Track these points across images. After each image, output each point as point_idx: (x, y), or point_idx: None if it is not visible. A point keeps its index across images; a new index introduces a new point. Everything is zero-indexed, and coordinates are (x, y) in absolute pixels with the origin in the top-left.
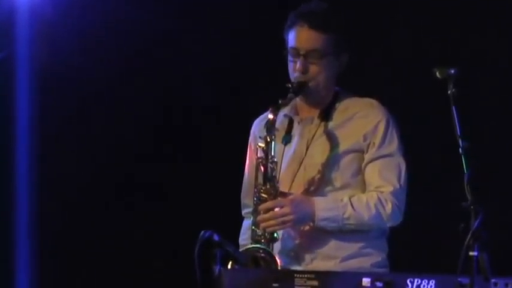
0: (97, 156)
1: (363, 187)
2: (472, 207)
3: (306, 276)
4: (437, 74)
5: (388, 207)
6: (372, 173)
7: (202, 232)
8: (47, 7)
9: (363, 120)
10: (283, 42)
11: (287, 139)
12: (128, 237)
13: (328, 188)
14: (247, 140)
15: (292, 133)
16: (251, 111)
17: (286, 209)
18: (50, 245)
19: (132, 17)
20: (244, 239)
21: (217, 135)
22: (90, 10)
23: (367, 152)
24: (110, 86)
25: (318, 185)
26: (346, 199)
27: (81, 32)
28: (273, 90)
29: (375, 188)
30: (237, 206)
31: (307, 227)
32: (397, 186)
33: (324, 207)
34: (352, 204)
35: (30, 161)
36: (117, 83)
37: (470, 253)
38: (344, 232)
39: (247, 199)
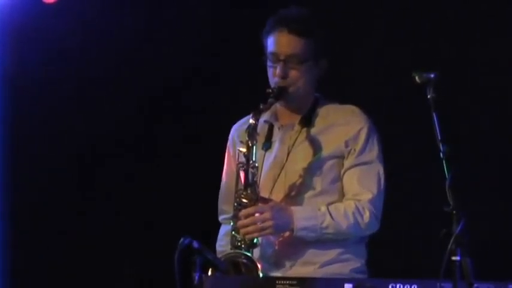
0: (71, 158)
1: (342, 194)
2: (454, 211)
3: (287, 282)
4: (417, 78)
5: (366, 215)
6: (350, 179)
7: (182, 239)
8: (16, 11)
9: (344, 126)
10: (261, 47)
11: (267, 145)
12: (103, 242)
13: (309, 194)
14: (225, 145)
15: (273, 139)
16: (228, 116)
17: (266, 215)
18: (20, 251)
19: (106, 18)
20: (222, 245)
21: (192, 139)
22: (59, 14)
23: (347, 158)
24: (82, 87)
25: (299, 190)
26: (324, 208)
27: (49, 35)
28: (250, 95)
29: (353, 196)
30: (214, 211)
31: (286, 233)
32: (375, 194)
33: (302, 216)
34: (330, 214)
35: (2, 163)
36: (91, 85)
37: (453, 258)
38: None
39: (224, 205)
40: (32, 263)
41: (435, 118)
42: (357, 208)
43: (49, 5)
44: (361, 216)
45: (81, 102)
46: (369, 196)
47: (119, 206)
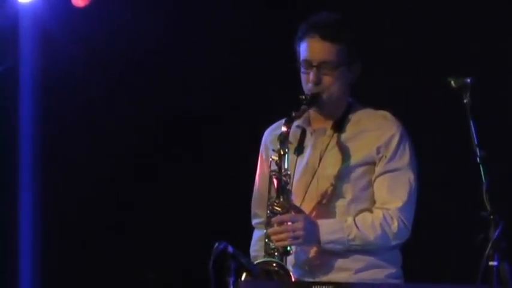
0: (100, 165)
1: (373, 201)
2: (491, 216)
3: (323, 287)
4: (452, 83)
5: (394, 225)
6: (380, 187)
7: (216, 244)
8: (49, 17)
9: (376, 132)
10: (294, 53)
11: (300, 150)
12: (135, 247)
13: (340, 201)
14: (256, 148)
15: (305, 144)
16: (257, 119)
17: (298, 224)
18: (53, 246)
19: (133, 25)
20: (255, 250)
21: (226, 143)
22: (90, 19)
23: (377, 164)
24: (112, 93)
25: (330, 198)
26: (350, 220)
27: (82, 40)
28: (281, 97)
29: (381, 205)
30: (247, 215)
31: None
32: (405, 201)
33: (328, 230)
34: (356, 225)
35: (33, 167)
36: (119, 90)
37: (490, 263)
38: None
39: (258, 209)
40: (56, 266)
41: (471, 123)
42: (385, 218)
43: (79, 8)
44: (389, 226)
45: (111, 104)
46: (399, 204)
47: (142, 211)
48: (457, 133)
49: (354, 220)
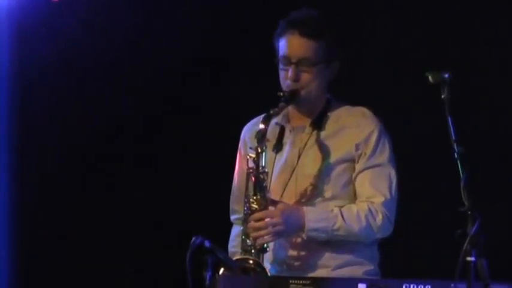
0: (77, 160)
1: (353, 198)
2: (469, 212)
3: (301, 282)
4: (430, 78)
5: (379, 218)
6: (362, 182)
7: (194, 238)
8: (25, 11)
9: (355, 129)
10: (273, 49)
11: (278, 147)
12: (112, 241)
13: (319, 199)
14: (236, 142)
15: (284, 141)
16: (237, 114)
17: (276, 219)
18: (29, 238)
19: (110, 17)
20: (234, 246)
21: (204, 137)
22: (66, 12)
23: (358, 162)
24: (89, 88)
25: (309, 196)
26: (336, 210)
27: (58, 34)
28: (261, 92)
29: (366, 199)
30: (226, 210)
31: (298, 237)
32: (388, 196)
33: (313, 218)
34: (342, 215)
35: (9, 163)
36: (96, 84)
37: (468, 258)
38: (335, 241)
39: (236, 205)
40: (35, 262)
41: (449, 118)
42: (370, 210)
43: (55, 3)
44: (374, 218)
45: (84, 98)
46: (382, 199)
47: (123, 204)
48: (436, 129)
49: (340, 210)
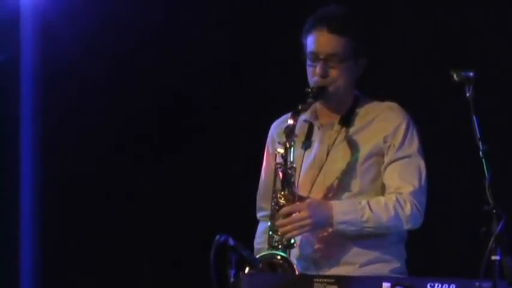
0: (101, 156)
1: (381, 193)
2: (494, 210)
3: (325, 280)
4: (455, 76)
5: (407, 208)
6: (391, 174)
7: (218, 236)
8: (50, 8)
9: (383, 123)
10: (300, 46)
11: (307, 144)
12: (136, 240)
13: (346, 195)
14: (262, 141)
15: (312, 138)
16: (262, 112)
17: (304, 213)
18: (53, 240)
19: (134, 15)
20: (260, 243)
21: (231, 136)
22: (91, 10)
23: (387, 154)
24: (112, 84)
25: (337, 191)
26: (364, 202)
27: (82, 31)
28: (287, 90)
29: (394, 190)
30: (250, 208)
31: (325, 233)
32: (417, 186)
33: (341, 210)
34: (370, 207)
35: (33, 159)
36: (120, 81)
37: (493, 257)
38: (363, 237)
39: (263, 202)
40: (58, 262)
41: (474, 117)
42: (398, 201)
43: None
44: (403, 208)
45: (112, 95)
46: (410, 189)
47: (147, 202)
48: (460, 127)
49: (368, 202)
